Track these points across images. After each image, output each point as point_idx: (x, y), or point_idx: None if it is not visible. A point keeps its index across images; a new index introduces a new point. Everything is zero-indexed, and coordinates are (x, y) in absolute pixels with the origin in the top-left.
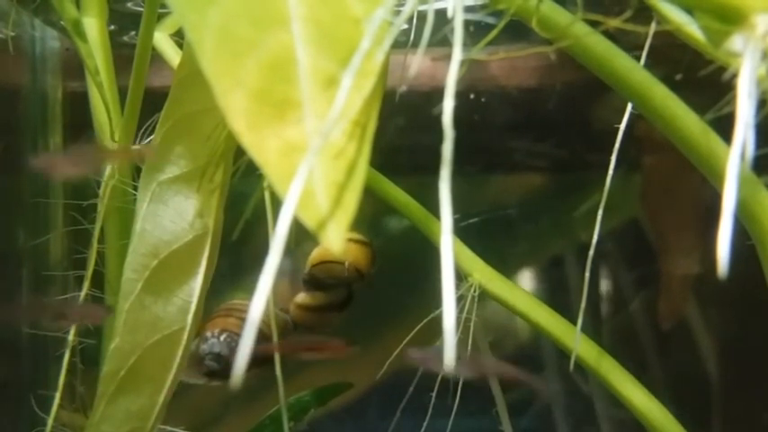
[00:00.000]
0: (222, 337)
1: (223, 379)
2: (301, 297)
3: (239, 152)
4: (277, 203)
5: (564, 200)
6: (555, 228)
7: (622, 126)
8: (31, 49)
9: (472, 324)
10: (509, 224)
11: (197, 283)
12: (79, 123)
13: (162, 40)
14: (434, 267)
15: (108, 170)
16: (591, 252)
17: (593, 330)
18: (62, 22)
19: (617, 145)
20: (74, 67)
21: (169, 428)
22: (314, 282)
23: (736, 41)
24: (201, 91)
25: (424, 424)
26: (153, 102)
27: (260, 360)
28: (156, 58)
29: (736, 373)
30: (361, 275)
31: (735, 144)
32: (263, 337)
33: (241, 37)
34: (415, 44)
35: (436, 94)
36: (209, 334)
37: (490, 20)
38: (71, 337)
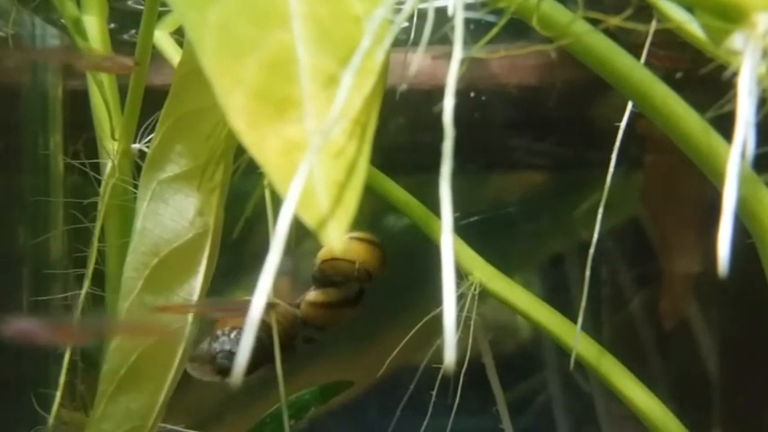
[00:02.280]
0: (233, 335)
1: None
2: (313, 294)
3: (240, 151)
4: (277, 202)
5: (564, 198)
6: (555, 226)
7: (623, 124)
8: (31, 47)
9: (472, 322)
10: (509, 223)
11: (197, 282)
12: (79, 122)
13: (162, 38)
14: (435, 266)
15: (108, 168)
16: (591, 251)
17: (594, 329)
18: (62, 21)
19: (617, 143)
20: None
21: (169, 427)
22: (323, 279)
23: (736, 40)
24: (202, 89)
25: (425, 422)
26: (153, 100)
27: (269, 357)
28: (157, 56)
29: (737, 372)
30: (369, 276)
31: (735, 142)
32: (271, 332)
33: (241, 35)
34: (416, 42)
35: (437, 93)
36: (219, 332)
37: (490, 18)
38: None
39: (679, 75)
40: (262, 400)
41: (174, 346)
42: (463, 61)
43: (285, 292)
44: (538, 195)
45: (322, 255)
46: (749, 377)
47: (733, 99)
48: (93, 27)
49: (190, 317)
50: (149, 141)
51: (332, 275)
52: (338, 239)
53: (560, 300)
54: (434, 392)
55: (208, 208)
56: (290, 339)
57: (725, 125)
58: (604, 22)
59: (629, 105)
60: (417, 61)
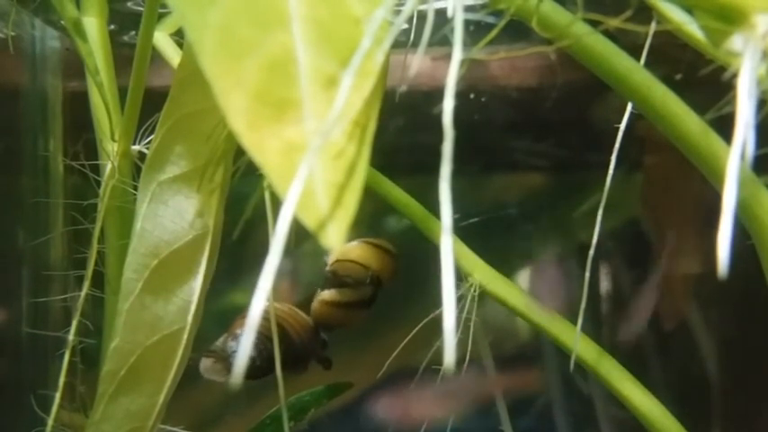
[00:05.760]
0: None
1: (247, 378)
2: (328, 294)
3: (239, 152)
4: (277, 203)
5: (564, 200)
6: (555, 227)
7: (622, 126)
8: (30, 49)
9: (472, 324)
10: (509, 224)
11: (197, 283)
12: (79, 123)
13: (162, 39)
14: (434, 267)
15: (108, 170)
16: (591, 252)
17: (594, 330)
18: (62, 22)
19: (617, 145)
20: (74, 66)
21: (169, 428)
22: (333, 279)
23: (736, 41)
24: (201, 91)
25: (425, 424)
26: (153, 101)
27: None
28: (157, 57)
29: (737, 373)
30: (380, 283)
31: (735, 144)
32: (290, 341)
33: (241, 37)
34: (415, 44)
35: (436, 94)
36: (239, 331)
37: (490, 19)
38: (71, 336)
39: (679, 76)
40: (262, 401)
41: (174, 347)
42: (463, 62)
43: (285, 294)
44: (538, 197)
45: (336, 254)
46: (749, 379)
47: (732, 100)
48: (93, 29)
49: (189, 317)
50: (149, 143)
51: (342, 277)
52: (338, 241)
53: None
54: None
55: (207, 209)
56: (307, 354)
57: (725, 127)
58: (604, 24)
59: (629, 107)
60: (417, 62)
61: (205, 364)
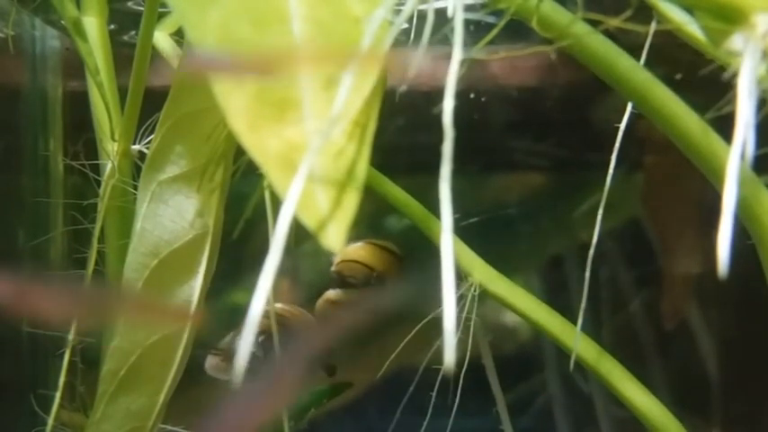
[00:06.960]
0: (260, 339)
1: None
2: (334, 294)
3: (239, 152)
4: (277, 203)
5: (564, 199)
6: (555, 227)
7: (623, 125)
8: (31, 49)
9: (472, 324)
10: (509, 224)
11: (197, 283)
12: (79, 123)
13: (162, 39)
14: (435, 267)
15: (108, 169)
16: (591, 251)
17: (594, 330)
18: (62, 22)
19: (617, 144)
20: (74, 66)
21: (169, 428)
22: (338, 279)
23: (736, 41)
24: (202, 90)
25: (425, 423)
26: (153, 101)
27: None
28: (157, 57)
29: (737, 373)
30: (384, 284)
31: (735, 143)
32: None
33: (242, 36)
34: (416, 43)
35: (436, 94)
36: None
37: (490, 19)
38: (71, 336)
39: (679, 76)
40: None
41: (174, 347)
42: (463, 62)
43: (285, 294)
44: (538, 196)
45: (341, 255)
46: (749, 378)
47: (733, 100)
48: (93, 28)
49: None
50: (149, 142)
51: (347, 277)
52: (338, 241)
53: (560, 301)
54: (434, 393)
55: (207, 209)
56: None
57: (725, 126)
58: (604, 24)
59: (629, 106)
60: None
61: (211, 362)
